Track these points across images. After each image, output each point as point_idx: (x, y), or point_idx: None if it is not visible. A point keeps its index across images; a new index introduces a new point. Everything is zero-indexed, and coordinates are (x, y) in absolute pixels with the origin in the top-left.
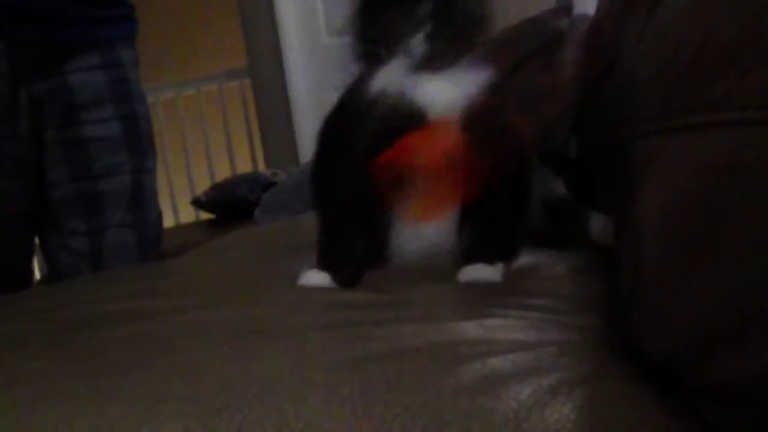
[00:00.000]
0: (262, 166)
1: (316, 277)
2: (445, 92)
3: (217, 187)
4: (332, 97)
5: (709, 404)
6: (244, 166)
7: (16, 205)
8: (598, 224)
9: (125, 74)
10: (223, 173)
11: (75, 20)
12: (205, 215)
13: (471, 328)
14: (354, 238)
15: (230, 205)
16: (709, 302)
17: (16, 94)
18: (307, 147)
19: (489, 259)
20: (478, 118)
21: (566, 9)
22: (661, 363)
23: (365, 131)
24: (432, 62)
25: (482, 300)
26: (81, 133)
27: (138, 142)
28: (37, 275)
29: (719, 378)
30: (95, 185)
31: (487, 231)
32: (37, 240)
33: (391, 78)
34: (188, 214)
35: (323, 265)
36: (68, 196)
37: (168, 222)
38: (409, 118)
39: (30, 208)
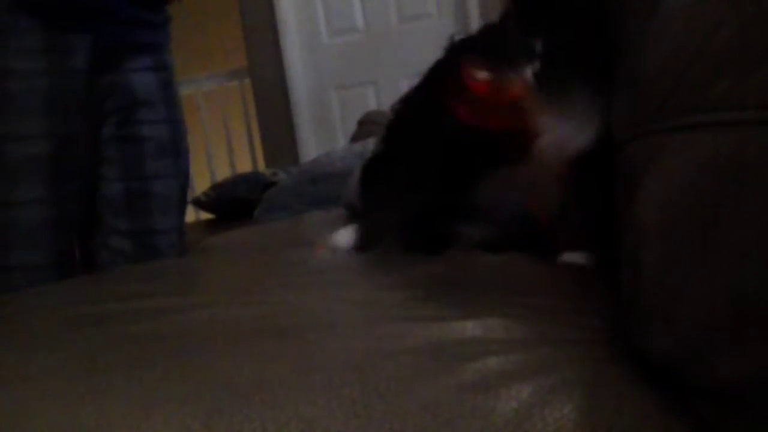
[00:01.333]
0: (262, 166)
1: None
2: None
3: (217, 187)
4: (332, 97)
5: (709, 404)
6: (244, 166)
7: (79, 205)
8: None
9: (171, 78)
10: (223, 173)
11: (138, 22)
12: (205, 215)
13: (471, 328)
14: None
15: (230, 205)
16: (709, 302)
17: (91, 88)
18: (307, 147)
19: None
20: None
21: None
22: (661, 363)
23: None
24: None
25: (482, 299)
26: (136, 132)
27: (182, 145)
28: None
29: (719, 378)
30: (145, 186)
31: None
32: None
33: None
34: (188, 214)
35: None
36: (118, 194)
37: None
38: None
39: (86, 206)
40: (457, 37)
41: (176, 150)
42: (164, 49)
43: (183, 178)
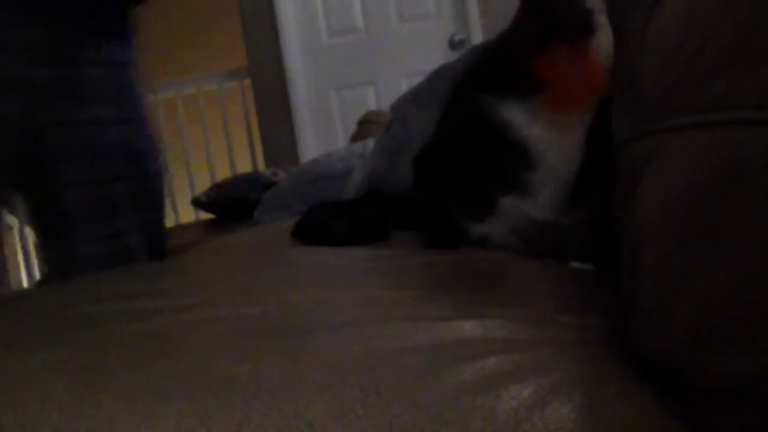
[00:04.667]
0: (262, 166)
1: None
2: None
3: (217, 187)
4: (332, 97)
5: (709, 404)
6: (244, 166)
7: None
8: None
9: (129, 75)
10: (223, 173)
11: (94, 13)
12: (205, 215)
13: (471, 328)
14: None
15: (230, 205)
16: (709, 302)
17: (35, 73)
18: (307, 147)
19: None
20: None
21: None
22: (661, 362)
23: None
24: None
25: (482, 299)
26: (90, 134)
27: (142, 145)
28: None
29: (719, 377)
30: (107, 189)
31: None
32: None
33: None
34: (188, 214)
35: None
36: (81, 199)
37: (168, 222)
38: None
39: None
40: (458, 37)
41: (135, 150)
42: (123, 44)
43: (151, 179)
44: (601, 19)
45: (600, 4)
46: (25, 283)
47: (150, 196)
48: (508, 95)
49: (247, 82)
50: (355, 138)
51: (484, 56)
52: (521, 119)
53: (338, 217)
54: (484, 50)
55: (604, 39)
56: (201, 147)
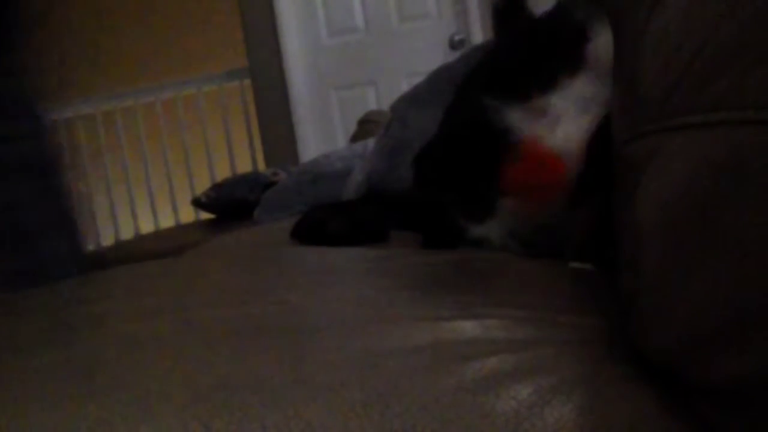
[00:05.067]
0: (262, 166)
1: None
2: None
3: (217, 187)
4: (332, 97)
5: (709, 404)
6: (244, 166)
7: None
8: None
9: (13, 86)
10: (223, 173)
11: None
12: (205, 215)
13: (471, 328)
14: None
15: (230, 205)
16: (709, 302)
17: None
18: (307, 147)
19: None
20: None
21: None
22: (661, 363)
23: None
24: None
25: (482, 299)
26: None
27: (41, 161)
28: None
29: (719, 378)
30: (16, 215)
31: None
32: None
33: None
34: (188, 214)
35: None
36: None
37: (168, 222)
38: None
39: None
40: (458, 37)
41: (33, 168)
42: (5, 53)
43: (55, 196)
44: (596, 27)
45: (592, 13)
46: None
47: (58, 213)
48: (511, 98)
49: (247, 82)
50: (355, 138)
51: (487, 58)
52: (524, 123)
53: (337, 217)
54: (486, 52)
55: (600, 46)
56: (201, 147)
